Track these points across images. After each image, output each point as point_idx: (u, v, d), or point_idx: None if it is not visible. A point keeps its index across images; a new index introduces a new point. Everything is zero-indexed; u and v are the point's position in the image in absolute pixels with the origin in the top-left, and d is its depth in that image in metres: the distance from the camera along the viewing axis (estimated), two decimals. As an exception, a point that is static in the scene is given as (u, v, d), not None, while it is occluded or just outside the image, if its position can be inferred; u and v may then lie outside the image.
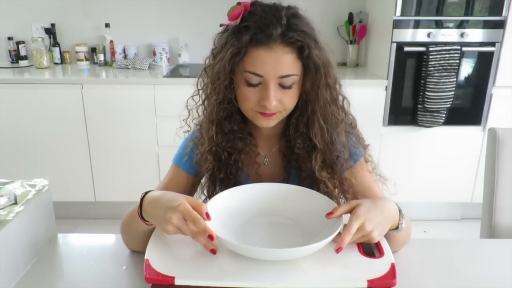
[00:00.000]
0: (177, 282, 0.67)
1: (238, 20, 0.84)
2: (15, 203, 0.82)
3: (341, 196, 0.98)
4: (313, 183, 0.95)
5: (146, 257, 0.72)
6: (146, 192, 0.81)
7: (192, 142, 0.99)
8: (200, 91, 0.96)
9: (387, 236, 0.80)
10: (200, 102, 0.96)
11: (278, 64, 0.82)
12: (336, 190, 0.97)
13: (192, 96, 0.98)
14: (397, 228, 0.80)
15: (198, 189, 1.04)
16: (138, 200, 0.80)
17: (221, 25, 0.90)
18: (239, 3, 0.85)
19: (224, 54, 0.84)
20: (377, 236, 0.75)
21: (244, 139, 0.96)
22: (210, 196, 1.02)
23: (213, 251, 0.72)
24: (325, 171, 0.93)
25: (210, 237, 0.71)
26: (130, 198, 2.69)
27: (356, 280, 0.68)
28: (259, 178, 1.01)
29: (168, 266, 0.70)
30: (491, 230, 1.20)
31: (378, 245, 0.77)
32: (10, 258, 0.76)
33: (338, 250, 0.71)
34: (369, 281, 0.67)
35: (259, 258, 0.72)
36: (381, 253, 0.75)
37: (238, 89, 0.87)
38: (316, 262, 0.73)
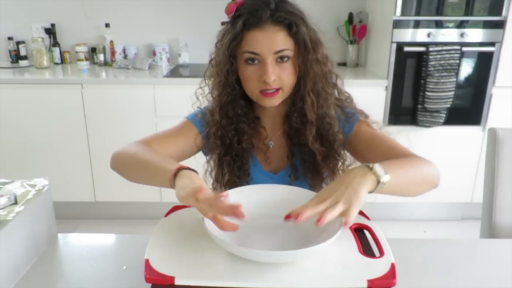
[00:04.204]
0: (177, 282, 0.67)
1: (233, 13, 0.93)
2: (15, 203, 0.82)
3: (341, 169, 1.04)
4: (313, 158, 1.00)
5: (146, 257, 0.72)
6: (181, 169, 0.77)
7: (206, 122, 1.04)
8: (208, 82, 1.04)
9: (389, 190, 0.78)
10: (209, 91, 1.04)
11: (271, 41, 0.90)
12: (334, 163, 1.03)
13: (200, 86, 1.06)
14: (379, 182, 0.75)
15: (207, 172, 1.08)
16: (173, 168, 0.77)
17: (222, 24, 0.98)
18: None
19: (224, 41, 0.94)
20: (346, 199, 0.70)
21: (250, 123, 1.02)
22: (217, 179, 1.06)
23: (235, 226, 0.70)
24: (318, 143, 0.99)
25: (239, 213, 0.67)
26: (130, 198, 2.70)
27: (356, 280, 0.68)
28: (266, 160, 1.07)
29: (168, 266, 0.70)
30: (491, 230, 1.20)
31: (378, 244, 0.77)
32: (10, 258, 0.76)
33: (319, 222, 0.68)
34: (369, 281, 0.67)
35: (259, 261, 0.72)
36: (381, 253, 0.75)
37: (240, 71, 0.95)
38: (316, 262, 0.73)
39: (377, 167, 0.76)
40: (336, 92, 1.02)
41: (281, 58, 0.91)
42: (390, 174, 0.77)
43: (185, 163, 0.96)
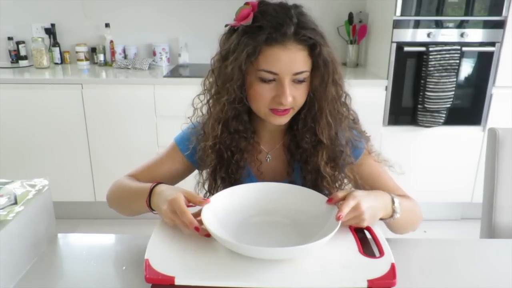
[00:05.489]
0: (177, 282, 0.67)
1: (250, 20, 0.84)
2: (15, 203, 0.82)
3: (343, 188, 1.01)
4: (317, 177, 0.96)
5: (146, 257, 0.72)
6: (156, 184, 0.86)
7: (195, 137, 1.01)
8: (206, 91, 0.96)
9: (389, 223, 0.88)
10: (205, 101, 0.97)
11: (292, 61, 0.84)
12: (338, 183, 0.99)
13: (198, 95, 0.98)
14: (391, 216, 0.85)
15: (199, 183, 1.06)
16: (148, 190, 0.86)
17: (226, 26, 0.90)
18: (247, 3, 0.86)
19: (238, 55, 0.84)
20: (368, 217, 0.79)
21: (248, 139, 0.97)
22: (210, 191, 1.04)
23: (197, 229, 0.76)
24: (329, 167, 0.95)
25: (196, 229, 0.75)
26: (130, 198, 2.65)
27: (356, 280, 0.68)
28: (261, 175, 1.02)
29: (168, 266, 0.70)
30: (491, 230, 1.20)
31: (378, 244, 0.77)
32: (10, 258, 0.76)
33: (339, 217, 0.75)
34: (369, 281, 0.67)
35: (257, 257, 0.72)
36: (381, 253, 0.75)
37: (251, 88, 0.88)
38: (316, 262, 0.73)
39: (397, 205, 0.85)
40: (347, 111, 0.96)
41: (298, 79, 0.86)
42: (400, 215, 0.86)
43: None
